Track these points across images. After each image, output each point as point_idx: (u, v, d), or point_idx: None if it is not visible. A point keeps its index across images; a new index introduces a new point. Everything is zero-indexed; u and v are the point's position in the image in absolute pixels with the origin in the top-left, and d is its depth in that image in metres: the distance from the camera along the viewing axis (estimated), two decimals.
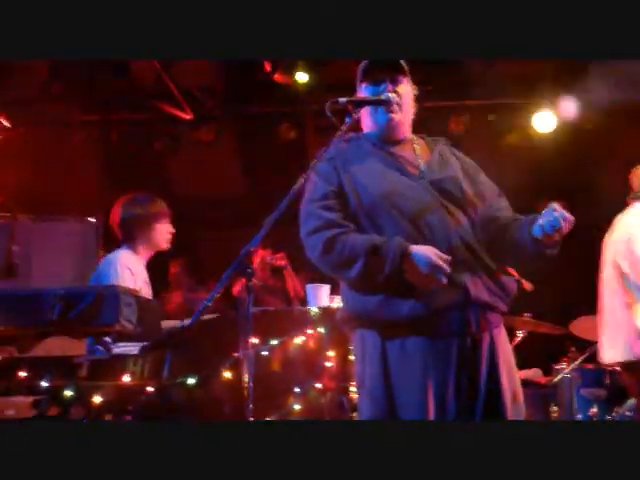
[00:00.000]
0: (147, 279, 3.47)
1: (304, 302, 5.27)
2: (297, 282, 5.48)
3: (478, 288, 2.18)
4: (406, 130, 2.39)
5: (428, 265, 2.10)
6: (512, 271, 2.34)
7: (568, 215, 2.09)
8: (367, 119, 2.38)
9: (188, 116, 5.74)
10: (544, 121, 5.72)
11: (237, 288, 4.96)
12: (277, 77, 5.26)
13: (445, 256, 2.12)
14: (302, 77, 5.30)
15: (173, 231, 3.48)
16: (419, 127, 2.48)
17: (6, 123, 5.15)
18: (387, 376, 2.18)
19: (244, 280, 2.17)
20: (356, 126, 2.37)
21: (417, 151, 2.36)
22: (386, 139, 2.36)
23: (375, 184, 2.25)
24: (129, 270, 3.28)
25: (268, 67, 5.31)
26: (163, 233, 3.44)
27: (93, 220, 4.75)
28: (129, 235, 3.40)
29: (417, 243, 2.16)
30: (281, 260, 5.35)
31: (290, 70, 5.23)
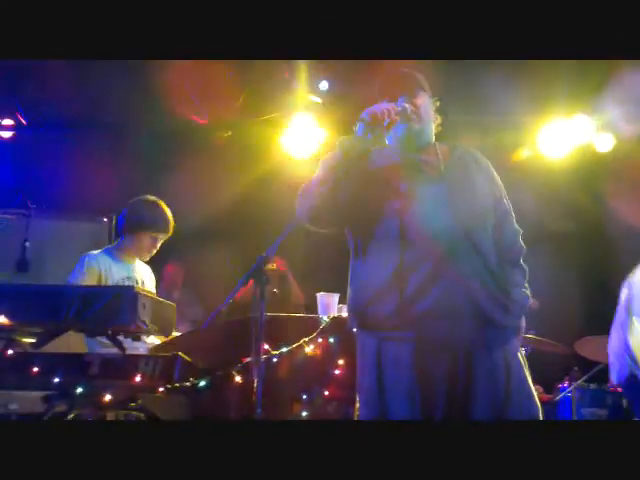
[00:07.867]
0: (135, 277, 3.47)
1: (304, 308, 5.33)
2: (297, 289, 5.54)
3: (480, 297, 2.15)
4: (427, 139, 2.41)
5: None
6: None
7: None
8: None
9: (203, 120, 5.77)
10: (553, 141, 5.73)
11: (239, 294, 4.98)
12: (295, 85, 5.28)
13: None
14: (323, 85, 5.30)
15: (157, 247, 3.49)
16: None
17: (23, 121, 5.20)
18: (380, 381, 2.16)
19: (250, 286, 2.20)
20: None
21: (440, 156, 2.37)
22: (407, 148, 2.38)
23: (393, 183, 2.27)
24: (97, 269, 3.34)
25: (286, 73, 5.33)
26: (146, 245, 3.46)
27: (105, 220, 4.81)
28: (117, 234, 3.55)
29: (425, 247, 2.16)
30: (282, 267, 5.42)
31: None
